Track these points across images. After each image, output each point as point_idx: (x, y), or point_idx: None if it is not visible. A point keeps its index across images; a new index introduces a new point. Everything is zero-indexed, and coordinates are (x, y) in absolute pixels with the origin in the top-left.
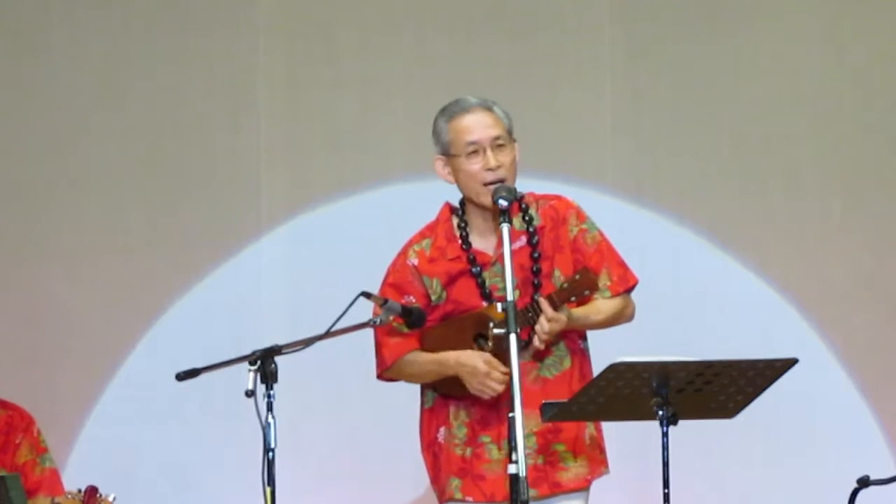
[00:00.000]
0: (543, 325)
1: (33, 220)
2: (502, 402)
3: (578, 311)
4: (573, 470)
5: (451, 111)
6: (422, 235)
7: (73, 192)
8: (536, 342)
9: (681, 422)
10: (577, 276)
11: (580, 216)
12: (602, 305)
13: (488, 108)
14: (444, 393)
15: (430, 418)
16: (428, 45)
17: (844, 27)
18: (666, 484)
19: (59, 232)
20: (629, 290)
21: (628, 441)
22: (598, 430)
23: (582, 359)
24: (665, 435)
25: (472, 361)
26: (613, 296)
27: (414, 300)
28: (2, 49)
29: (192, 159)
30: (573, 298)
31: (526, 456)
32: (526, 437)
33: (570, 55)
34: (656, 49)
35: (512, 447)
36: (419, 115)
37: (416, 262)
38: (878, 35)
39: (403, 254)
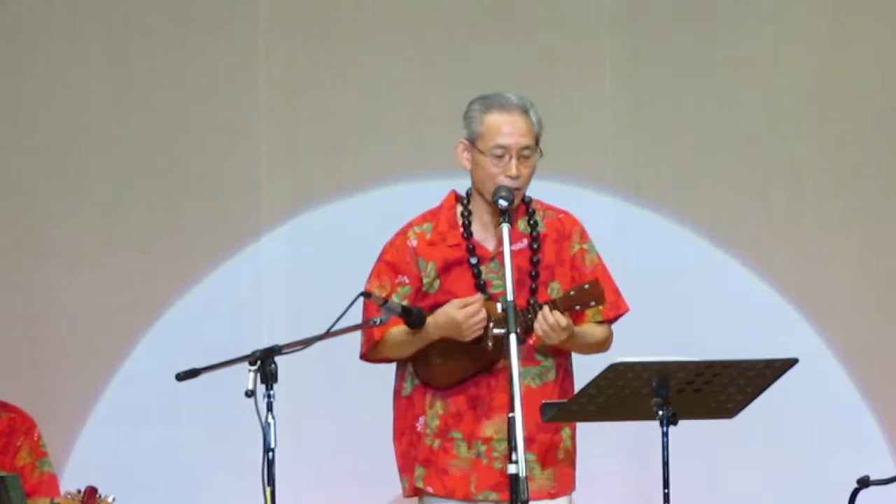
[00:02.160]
0: (542, 324)
1: (33, 220)
2: (480, 401)
3: (578, 329)
4: (538, 481)
5: (489, 103)
6: (423, 218)
7: (73, 192)
8: (539, 331)
9: (681, 422)
10: (587, 286)
11: (583, 236)
12: (595, 329)
13: (526, 113)
14: (425, 381)
15: (408, 406)
16: (428, 45)
17: (844, 27)
18: (666, 484)
19: (59, 232)
20: (618, 318)
21: (628, 441)
22: (574, 446)
23: (565, 374)
24: (665, 435)
25: (448, 317)
26: (604, 320)
27: (408, 281)
28: (2, 49)
29: (192, 159)
30: (577, 307)
31: (493, 459)
32: (497, 440)
33: (570, 55)
34: (656, 49)
35: (512, 447)
36: (419, 116)
37: (415, 243)
38: (879, 35)
39: (403, 234)
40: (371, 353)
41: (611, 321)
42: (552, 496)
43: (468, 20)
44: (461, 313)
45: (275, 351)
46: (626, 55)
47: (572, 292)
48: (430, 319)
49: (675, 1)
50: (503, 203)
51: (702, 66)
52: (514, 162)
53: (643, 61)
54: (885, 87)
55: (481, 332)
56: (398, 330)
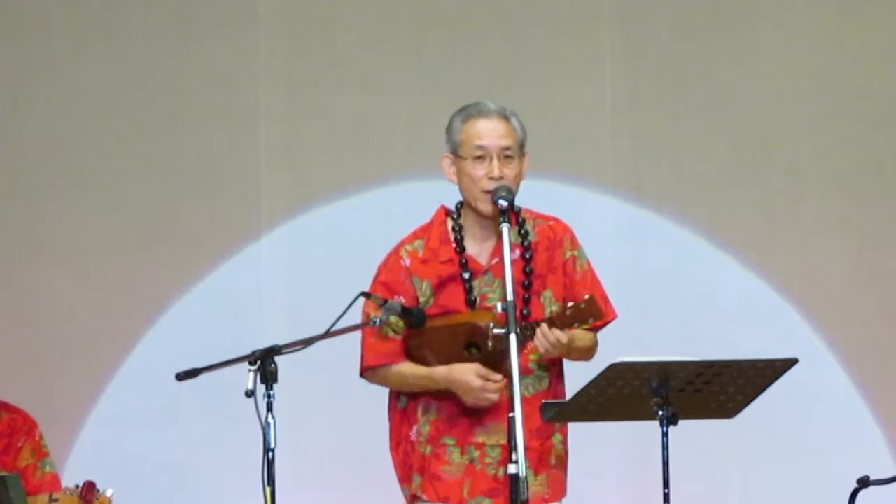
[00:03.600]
0: (542, 342)
1: (33, 220)
2: (472, 406)
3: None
4: (532, 487)
5: (468, 112)
6: (414, 236)
7: (73, 192)
8: (541, 349)
9: (681, 422)
10: (583, 305)
11: (574, 243)
12: (585, 335)
13: (505, 118)
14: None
15: (403, 417)
16: (428, 45)
17: (845, 27)
18: (666, 484)
19: (59, 232)
20: (605, 325)
21: (628, 441)
22: (566, 451)
23: (557, 382)
24: (665, 435)
25: (464, 378)
26: (592, 327)
27: (404, 301)
28: (2, 49)
29: (193, 159)
30: (575, 324)
31: (486, 465)
32: (490, 446)
33: (570, 55)
34: (656, 49)
35: (512, 447)
36: (419, 115)
37: (408, 262)
38: (879, 35)
39: (395, 253)
40: (370, 375)
41: (599, 328)
42: (546, 502)
43: (468, 20)
44: (478, 383)
45: (275, 351)
46: (626, 55)
47: (569, 311)
48: (443, 371)
49: (675, 0)
50: (503, 203)
51: (702, 66)
52: (495, 163)
53: (643, 60)
54: (885, 87)
55: (488, 405)
56: (402, 369)
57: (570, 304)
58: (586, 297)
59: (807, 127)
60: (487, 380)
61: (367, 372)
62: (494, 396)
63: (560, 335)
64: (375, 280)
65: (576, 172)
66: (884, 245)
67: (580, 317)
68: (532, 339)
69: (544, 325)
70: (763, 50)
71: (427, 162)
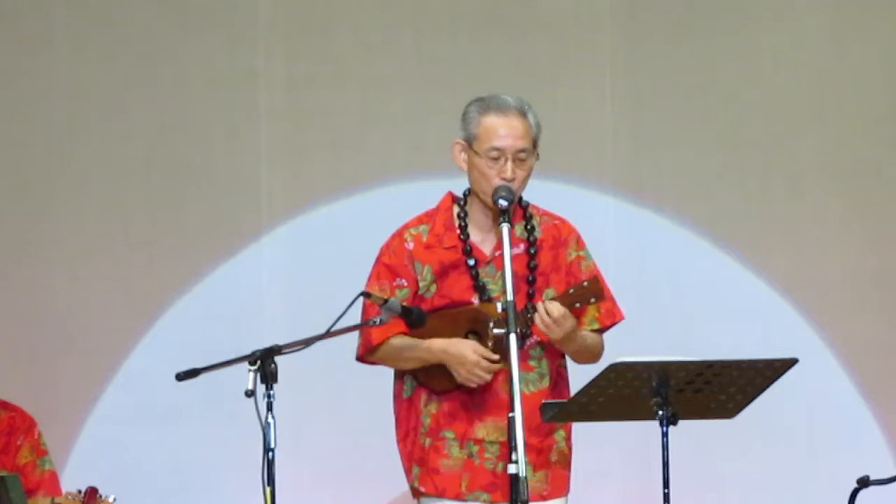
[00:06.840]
0: (543, 317)
1: (33, 220)
2: (474, 402)
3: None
4: (530, 484)
5: (487, 105)
6: (419, 221)
7: (73, 192)
8: (541, 325)
9: (681, 422)
10: (586, 284)
11: (580, 243)
12: (590, 335)
13: (523, 115)
14: (423, 383)
15: (409, 408)
16: (428, 45)
17: (845, 27)
18: (666, 484)
19: (59, 232)
20: (613, 325)
21: (628, 441)
22: (569, 448)
23: (558, 380)
24: (665, 435)
25: (460, 350)
26: (601, 327)
27: (406, 284)
28: (2, 49)
29: (192, 159)
30: (577, 304)
31: (485, 460)
32: (490, 443)
33: (570, 55)
34: (656, 49)
35: (512, 447)
36: (419, 115)
37: (411, 246)
38: (879, 35)
39: (399, 236)
40: (368, 356)
41: (606, 328)
42: (544, 498)
43: (468, 20)
44: (474, 357)
45: (275, 351)
46: (626, 54)
47: (572, 290)
48: (441, 343)
49: (676, 1)
50: (503, 203)
51: (702, 66)
52: (509, 164)
53: (643, 60)
54: (885, 87)
55: (478, 383)
56: (400, 342)
57: (573, 285)
58: (590, 278)
59: (807, 127)
60: (485, 358)
61: (368, 353)
62: (487, 376)
63: (562, 307)
64: (378, 262)
65: (576, 172)
66: (884, 245)
67: (584, 296)
68: (534, 321)
69: (543, 304)
70: (763, 49)
71: (428, 162)
